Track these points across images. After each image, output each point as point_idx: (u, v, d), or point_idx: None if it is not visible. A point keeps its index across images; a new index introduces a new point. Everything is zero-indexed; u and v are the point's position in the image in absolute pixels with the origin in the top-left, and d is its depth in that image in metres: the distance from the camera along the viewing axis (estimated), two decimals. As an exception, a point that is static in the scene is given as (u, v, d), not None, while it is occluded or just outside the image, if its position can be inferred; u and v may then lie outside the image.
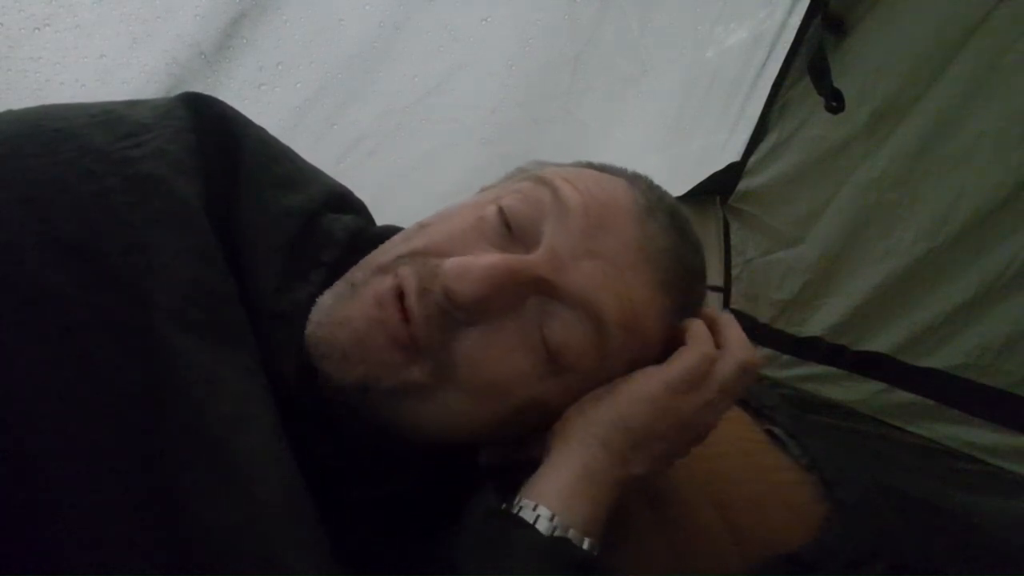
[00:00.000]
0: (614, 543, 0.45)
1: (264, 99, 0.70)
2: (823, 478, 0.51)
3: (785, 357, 1.16)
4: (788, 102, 1.09)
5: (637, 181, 0.44)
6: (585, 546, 0.37)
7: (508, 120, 0.90)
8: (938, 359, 0.90)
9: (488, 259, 0.36)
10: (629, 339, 0.39)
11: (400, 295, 0.37)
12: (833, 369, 1.06)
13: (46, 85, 0.58)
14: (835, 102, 0.93)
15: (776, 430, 0.54)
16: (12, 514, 0.27)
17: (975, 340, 0.85)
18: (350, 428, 0.41)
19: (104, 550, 0.28)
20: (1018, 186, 0.78)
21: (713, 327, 0.43)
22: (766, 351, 1.19)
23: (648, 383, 0.40)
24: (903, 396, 0.95)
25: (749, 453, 0.52)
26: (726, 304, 1.30)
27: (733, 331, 0.43)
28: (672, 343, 0.42)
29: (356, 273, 0.39)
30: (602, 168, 0.45)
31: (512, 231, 0.39)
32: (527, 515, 0.37)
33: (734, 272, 1.29)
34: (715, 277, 1.31)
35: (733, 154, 1.20)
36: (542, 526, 0.36)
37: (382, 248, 0.41)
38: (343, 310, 0.37)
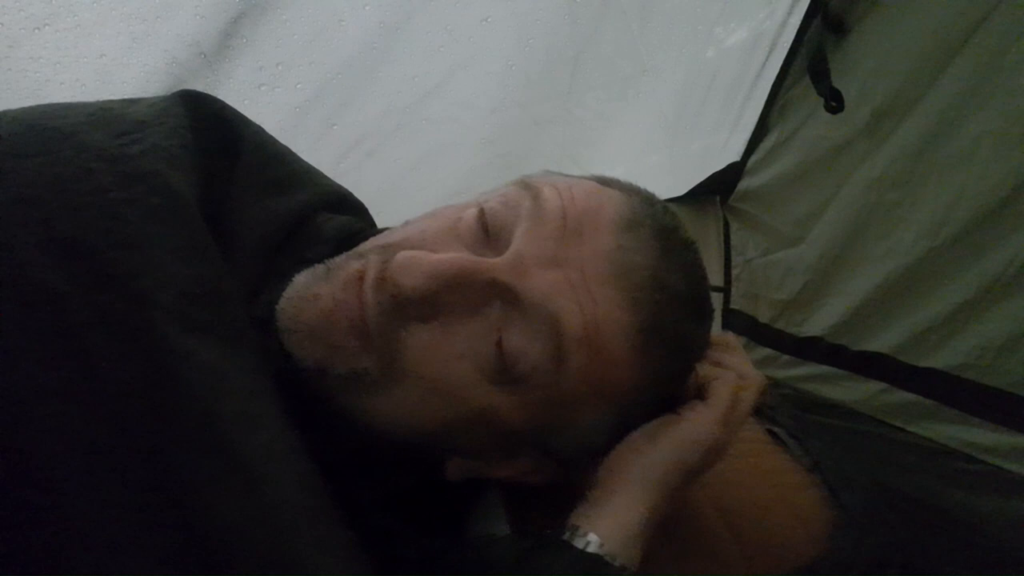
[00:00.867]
0: None
1: (264, 99, 0.70)
2: (826, 481, 0.51)
3: (785, 357, 1.16)
4: (788, 102, 1.09)
5: (635, 196, 0.42)
6: None
7: (508, 120, 0.90)
8: (938, 359, 0.90)
9: (440, 256, 0.36)
10: (590, 357, 0.37)
11: (362, 280, 0.37)
12: (833, 369, 1.06)
13: (46, 85, 0.58)
14: (835, 102, 0.93)
15: (777, 430, 0.53)
16: (12, 514, 0.27)
17: (975, 340, 0.85)
18: (333, 429, 0.40)
19: (108, 551, 0.28)
20: (1018, 186, 0.78)
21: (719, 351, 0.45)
22: (766, 351, 1.19)
23: (702, 423, 0.42)
24: (903, 396, 0.95)
25: (751, 455, 0.52)
26: (726, 304, 1.30)
27: (739, 355, 0.45)
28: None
29: (336, 259, 0.39)
30: (607, 182, 0.43)
31: (488, 234, 0.39)
32: (593, 548, 0.38)
33: (734, 272, 1.29)
34: (715, 277, 1.31)
35: (733, 154, 1.20)
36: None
37: (367, 240, 0.41)
38: (315, 287, 0.37)
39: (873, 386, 0.99)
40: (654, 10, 0.90)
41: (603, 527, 0.39)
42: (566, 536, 0.39)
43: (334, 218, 0.44)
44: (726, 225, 1.28)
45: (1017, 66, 0.77)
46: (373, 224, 0.51)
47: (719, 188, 1.24)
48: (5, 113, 0.35)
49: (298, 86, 0.72)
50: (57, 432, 0.28)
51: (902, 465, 0.92)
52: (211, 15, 0.63)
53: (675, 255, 0.41)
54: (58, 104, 0.37)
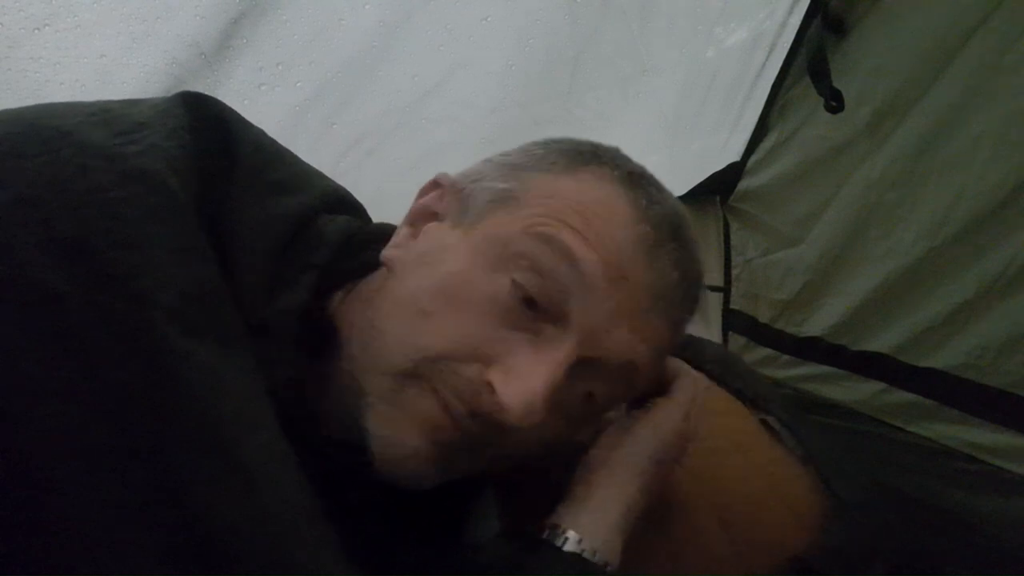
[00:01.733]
0: None
1: (264, 99, 0.70)
2: (819, 472, 0.51)
3: (785, 357, 1.16)
4: (788, 102, 1.09)
5: (638, 190, 0.41)
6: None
7: (508, 120, 0.90)
8: (938, 359, 0.90)
9: (538, 382, 0.36)
10: (653, 371, 0.43)
11: (447, 407, 0.37)
12: (833, 369, 1.06)
13: (46, 85, 0.58)
14: (835, 102, 0.93)
15: (770, 420, 0.53)
16: (12, 514, 0.27)
17: (975, 340, 0.85)
18: (340, 437, 0.41)
19: (108, 551, 0.28)
20: (1018, 186, 0.78)
21: None
22: (766, 351, 1.19)
23: (672, 416, 0.44)
24: (903, 396, 0.95)
25: (744, 447, 0.51)
26: (726, 304, 1.30)
27: (687, 384, 0.47)
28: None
29: (374, 380, 0.38)
30: (595, 156, 0.43)
31: (537, 309, 0.38)
32: (571, 547, 0.39)
33: (734, 272, 1.29)
34: (715, 277, 1.31)
35: (733, 154, 1.20)
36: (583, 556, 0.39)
37: (386, 346, 0.38)
38: (401, 438, 0.37)
39: (873, 386, 1.00)
40: (654, 10, 0.90)
41: (585, 525, 0.40)
42: (547, 535, 0.39)
43: (335, 219, 0.43)
44: (726, 225, 1.29)
45: (1017, 66, 0.78)
46: (370, 222, 0.51)
47: (719, 188, 1.24)
48: (5, 113, 0.35)
49: (298, 86, 0.72)
50: (57, 432, 0.28)
51: (902, 465, 0.92)
52: (211, 15, 0.63)
53: (690, 250, 0.43)
54: (58, 104, 0.37)
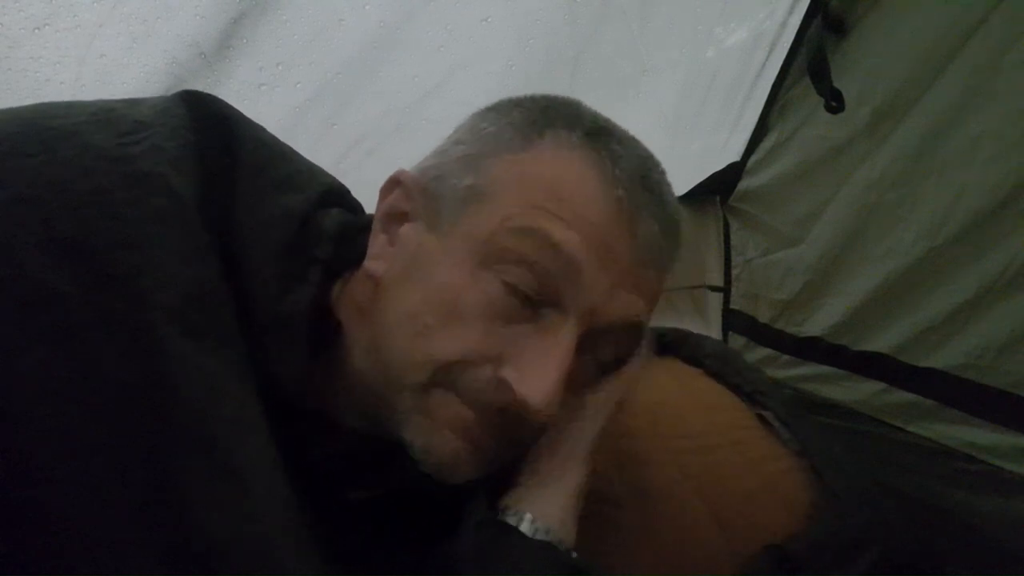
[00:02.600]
0: (601, 546, 0.45)
1: (264, 99, 0.70)
2: (813, 464, 0.51)
3: (785, 357, 1.15)
4: (788, 102, 1.09)
5: (601, 152, 0.41)
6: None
7: (508, 120, 0.90)
8: (938, 359, 0.90)
9: (552, 374, 0.38)
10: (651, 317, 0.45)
11: (472, 406, 0.38)
12: (833, 369, 1.06)
13: (46, 85, 0.58)
14: (835, 102, 0.93)
15: (767, 415, 0.53)
16: (12, 514, 0.27)
17: (975, 340, 0.85)
18: (348, 431, 0.41)
19: (104, 550, 0.28)
20: (1018, 186, 0.78)
21: None
22: (766, 351, 1.19)
23: (614, 396, 0.45)
24: (903, 396, 0.95)
25: (740, 442, 0.51)
26: (726, 304, 1.30)
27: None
28: None
29: (397, 397, 0.39)
30: (547, 121, 0.42)
31: (533, 301, 0.39)
32: (526, 528, 0.39)
33: (734, 272, 1.29)
34: (715, 277, 1.31)
35: (733, 154, 1.20)
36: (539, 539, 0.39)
37: (398, 365, 0.39)
38: (437, 443, 0.38)
39: (873, 386, 0.99)
40: (654, 10, 0.90)
41: (547, 511, 0.40)
42: (503, 516, 0.40)
43: (329, 213, 0.44)
44: (726, 225, 1.28)
45: (1017, 66, 0.77)
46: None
47: (719, 188, 1.24)
48: (5, 112, 0.35)
49: (298, 86, 0.72)
50: (57, 432, 0.28)
51: (902, 465, 0.92)
52: (211, 15, 0.63)
53: (662, 197, 0.43)
54: (59, 103, 0.37)
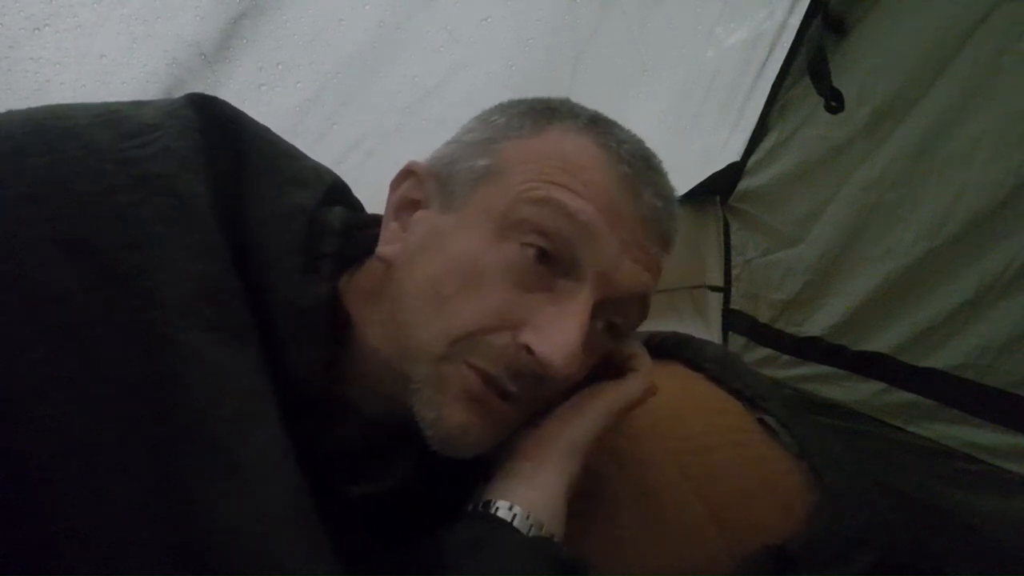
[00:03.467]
0: (600, 546, 0.45)
1: (264, 99, 0.70)
2: (812, 465, 0.51)
3: (785, 357, 1.16)
4: (788, 102, 1.09)
5: (605, 135, 0.43)
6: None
7: (508, 120, 0.90)
8: (938, 359, 0.90)
9: (572, 334, 0.39)
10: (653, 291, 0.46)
11: (487, 378, 0.39)
12: (833, 369, 1.06)
13: (46, 85, 0.58)
14: (835, 102, 0.93)
15: (768, 419, 0.53)
16: (14, 512, 0.27)
17: (975, 340, 0.85)
18: (364, 422, 0.41)
19: (109, 546, 0.28)
20: (1018, 186, 0.78)
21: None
22: (766, 351, 1.19)
23: (622, 399, 0.46)
24: (903, 396, 0.95)
25: (740, 445, 0.51)
26: (726, 304, 1.30)
27: (647, 359, 0.48)
28: None
29: (414, 368, 0.40)
30: (552, 112, 0.44)
31: (547, 263, 0.40)
32: (520, 524, 0.39)
33: (734, 272, 1.29)
34: (715, 277, 1.31)
35: (733, 154, 1.20)
36: (530, 532, 0.39)
37: (417, 337, 0.40)
38: (446, 415, 0.39)
39: (873, 386, 0.99)
40: (654, 10, 0.90)
41: (539, 505, 0.40)
42: (505, 514, 0.40)
43: (332, 209, 0.45)
44: (726, 225, 1.28)
45: (1017, 66, 0.78)
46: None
47: (719, 188, 1.24)
48: (10, 113, 0.35)
49: (298, 86, 0.72)
50: (58, 432, 0.28)
51: (902, 465, 0.92)
52: (211, 15, 0.63)
53: (662, 177, 0.45)
54: (63, 104, 0.37)
